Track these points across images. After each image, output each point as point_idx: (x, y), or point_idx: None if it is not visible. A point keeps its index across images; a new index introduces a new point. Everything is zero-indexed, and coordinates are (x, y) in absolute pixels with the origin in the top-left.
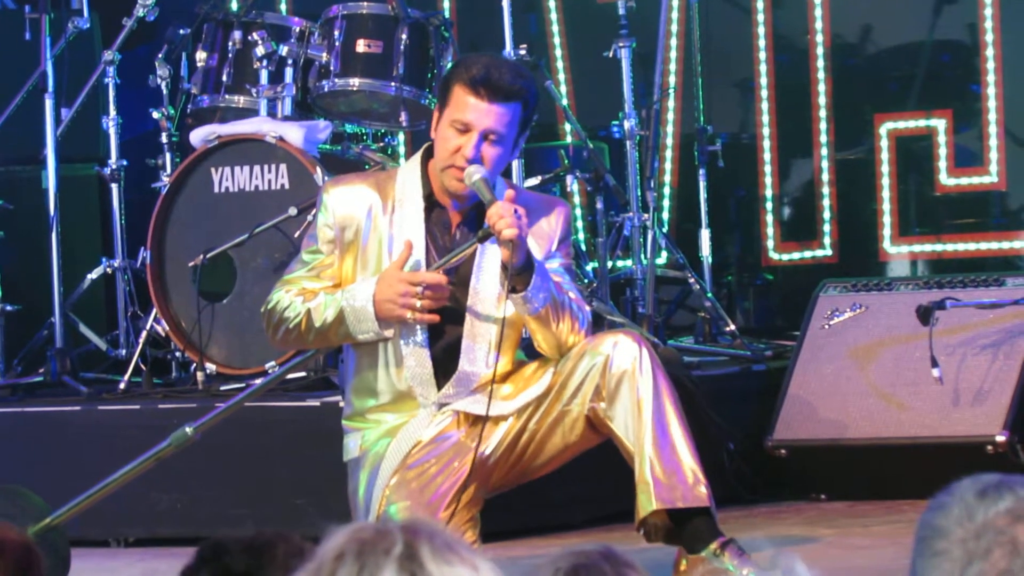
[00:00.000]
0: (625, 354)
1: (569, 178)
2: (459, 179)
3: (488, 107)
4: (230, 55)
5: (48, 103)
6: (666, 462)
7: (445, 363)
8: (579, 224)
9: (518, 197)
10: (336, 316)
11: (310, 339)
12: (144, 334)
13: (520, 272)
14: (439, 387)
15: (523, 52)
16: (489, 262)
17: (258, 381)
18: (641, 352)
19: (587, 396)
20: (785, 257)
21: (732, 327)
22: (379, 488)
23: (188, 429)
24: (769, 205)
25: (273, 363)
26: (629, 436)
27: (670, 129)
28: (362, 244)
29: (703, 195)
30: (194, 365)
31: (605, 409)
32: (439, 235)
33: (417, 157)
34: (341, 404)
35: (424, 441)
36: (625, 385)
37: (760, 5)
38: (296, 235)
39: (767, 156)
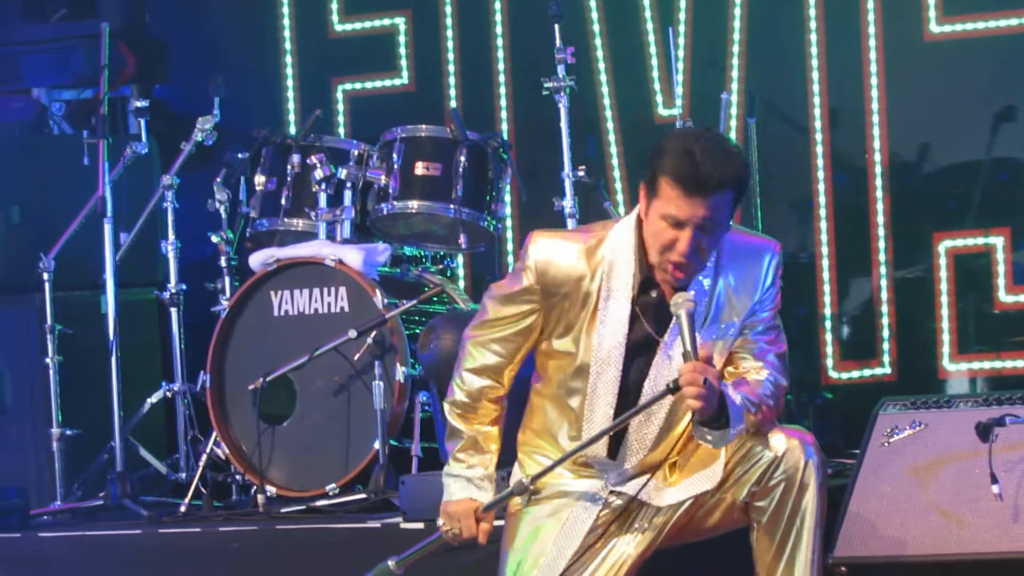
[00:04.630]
0: (792, 462)
1: None
2: (670, 273)
3: (699, 201)
4: (288, 178)
5: (107, 228)
6: None
7: (620, 435)
8: None
9: (726, 243)
10: (447, 464)
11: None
12: (204, 457)
13: (713, 422)
14: (612, 455)
15: (581, 173)
16: (677, 357)
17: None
18: (807, 465)
19: (746, 487)
20: (845, 375)
21: None
22: None
23: (391, 563)
24: (828, 324)
25: (334, 485)
26: (771, 546)
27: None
28: (565, 316)
29: None
30: (254, 488)
31: (759, 504)
32: (644, 314)
33: (631, 224)
34: (402, 525)
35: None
36: (783, 499)
37: (818, 125)
38: (356, 358)
39: (826, 275)
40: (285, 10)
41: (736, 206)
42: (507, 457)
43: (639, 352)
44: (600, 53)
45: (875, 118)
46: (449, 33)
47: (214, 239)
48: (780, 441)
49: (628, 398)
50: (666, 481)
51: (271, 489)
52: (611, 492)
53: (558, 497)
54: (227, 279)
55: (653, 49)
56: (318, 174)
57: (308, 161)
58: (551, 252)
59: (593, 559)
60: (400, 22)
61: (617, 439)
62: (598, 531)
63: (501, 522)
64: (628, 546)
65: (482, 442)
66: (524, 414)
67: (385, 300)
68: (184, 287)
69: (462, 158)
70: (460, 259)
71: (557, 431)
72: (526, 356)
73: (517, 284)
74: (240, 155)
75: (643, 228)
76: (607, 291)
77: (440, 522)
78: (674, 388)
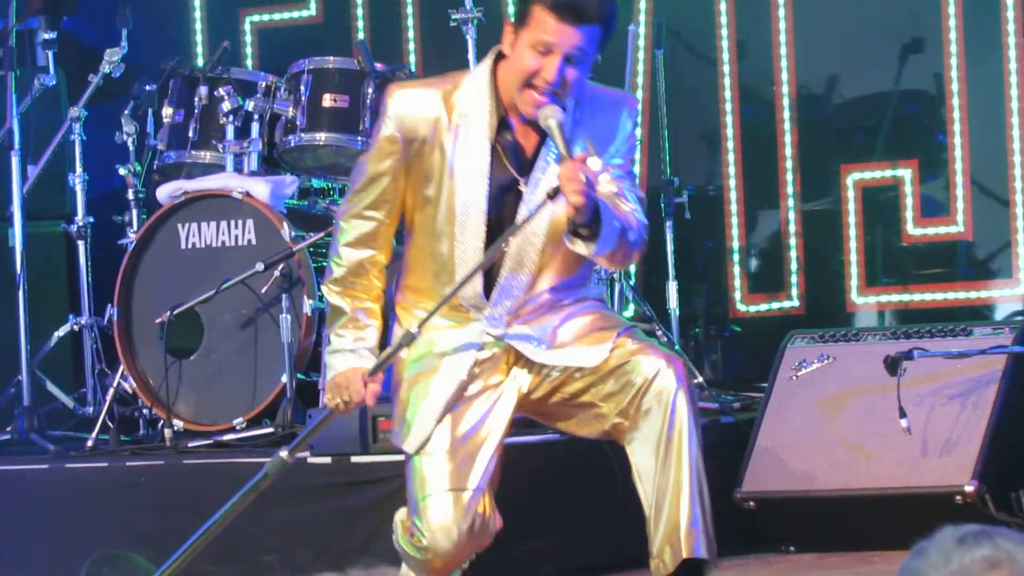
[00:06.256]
0: (663, 388)
1: None
2: (535, 104)
3: (572, 30)
4: (196, 111)
5: (14, 160)
6: (698, 512)
7: (493, 278)
8: None
9: (582, 93)
10: (328, 345)
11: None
12: (111, 391)
13: (587, 226)
14: (488, 297)
15: None
16: (550, 174)
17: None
18: (678, 395)
19: (615, 409)
20: (752, 309)
21: (700, 379)
22: (422, 426)
23: (283, 453)
24: (736, 257)
25: (241, 419)
26: (654, 476)
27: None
28: (425, 161)
29: (670, 247)
30: (161, 422)
31: (629, 435)
32: (504, 155)
33: (485, 68)
34: (309, 459)
35: (469, 389)
36: (654, 422)
37: (726, 56)
38: (263, 291)
39: (734, 208)
40: None
41: (601, 48)
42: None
43: (504, 194)
44: None
45: (783, 50)
46: None
47: (122, 171)
48: (649, 365)
49: (495, 252)
50: (550, 342)
51: (178, 423)
52: (488, 336)
53: (436, 344)
54: (135, 212)
55: None
56: (225, 106)
57: (215, 93)
58: (408, 99)
59: (470, 405)
60: None
61: (490, 282)
62: (476, 377)
63: None
64: (504, 395)
65: (364, 318)
66: (399, 276)
67: (292, 233)
68: (91, 220)
69: (370, 90)
70: None
71: (432, 281)
72: (398, 217)
73: (379, 137)
74: (148, 87)
75: (499, 70)
76: (466, 132)
77: (326, 398)
78: (553, 194)
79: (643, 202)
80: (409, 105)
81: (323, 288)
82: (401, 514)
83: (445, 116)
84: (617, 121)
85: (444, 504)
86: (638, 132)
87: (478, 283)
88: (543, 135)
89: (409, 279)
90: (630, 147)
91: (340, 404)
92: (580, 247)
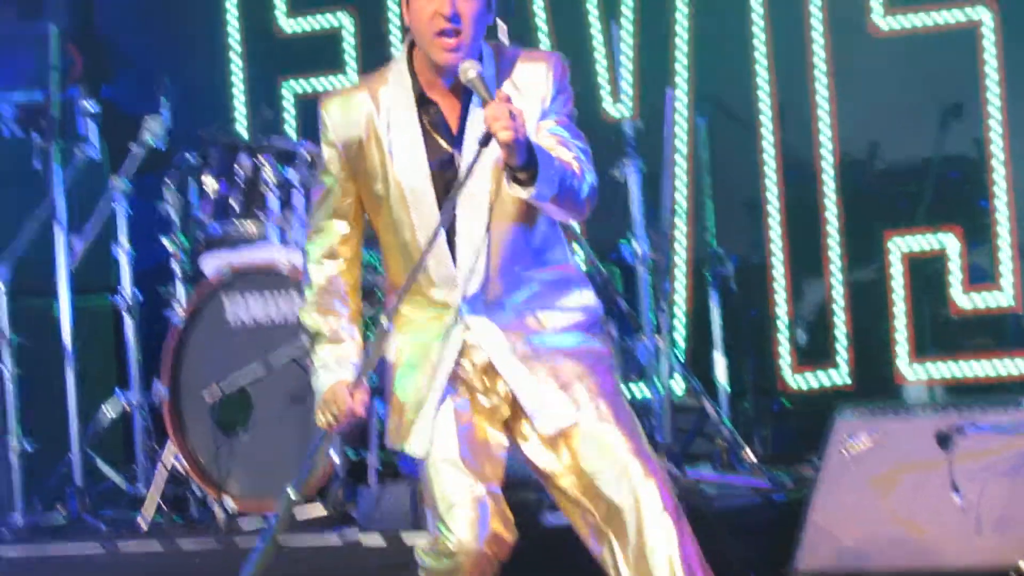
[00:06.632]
0: (655, 530)
1: None
2: (446, 48)
3: None
4: (239, 181)
5: (59, 233)
6: None
7: (453, 246)
8: None
9: (502, 58)
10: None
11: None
12: (164, 473)
13: (523, 169)
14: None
15: None
16: (477, 130)
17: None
18: (661, 518)
19: (602, 517)
20: (803, 384)
21: (750, 455)
22: (421, 426)
23: (291, 492)
24: (783, 327)
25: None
26: None
27: (681, 251)
28: (367, 160)
29: (716, 318)
30: (213, 502)
31: (617, 568)
32: (435, 132)
33: (402, 55)
34: (362, 540)
35: (466, 394)
36: (640, 549)
37: (767, 123)
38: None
39: (778, 275)
40: (231, 8)
41: None
42: None
43: (445, 170)
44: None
45: (823, 115)
46: (395, 31)
47: (166, 243)
48: (634, 480)
49: (448, 213)
50: (524, 354)
51: (229, 502)
52: (468, 329)
53: (421, 343)
54: (181, 286)
55: (600, 51)
56: (268, 176)
57: (257, 162)
58: (337, 105)
59: (475, 408)
60: (347, 21)
61: (453, 251)
62: (470, 382)
63: None
64: (500, 404)
65: (342, 334)
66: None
67: None
68: (138, 293)
69: None
70: None
71: (407, 270)
72: (360, 225)
73: (321, 147)
74: (189, 155)
75: (415, 55)
76: (396, 120)
77: (316, 418)
78: (484, 139)
79: (588, 153)
80: (339, 111)
81: (300, 315)
82: (420, 543)
83: (375, 111)
84: (542, 74)
85: (467, 508)
86: (571, 87)
87: (447, 260)
88: (466, 104)
89: (389, 279)
90: (564, 100)
91: (331, 420)
92: (519, 191)
